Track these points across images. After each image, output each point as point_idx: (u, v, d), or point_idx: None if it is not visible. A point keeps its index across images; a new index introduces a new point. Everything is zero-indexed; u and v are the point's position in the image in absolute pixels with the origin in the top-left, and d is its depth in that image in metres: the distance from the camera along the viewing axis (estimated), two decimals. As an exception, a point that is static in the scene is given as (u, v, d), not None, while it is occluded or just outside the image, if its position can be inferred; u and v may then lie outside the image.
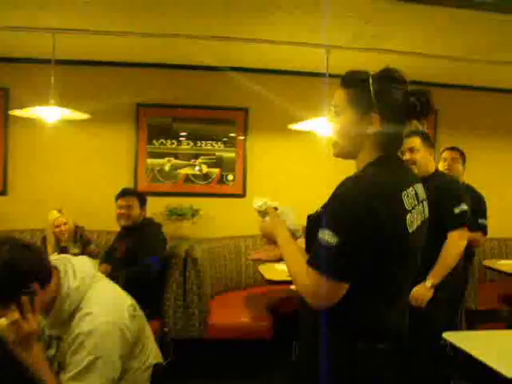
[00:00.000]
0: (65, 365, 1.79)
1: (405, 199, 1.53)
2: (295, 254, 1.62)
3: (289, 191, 5.42)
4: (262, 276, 4.24)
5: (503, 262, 4.84)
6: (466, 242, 3.10)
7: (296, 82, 5.40)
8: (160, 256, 3.89)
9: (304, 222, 1.75)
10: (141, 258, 3.76)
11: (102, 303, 1.84)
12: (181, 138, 5.27)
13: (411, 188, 1.58)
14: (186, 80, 5.25)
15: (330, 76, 4.35)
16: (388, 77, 1.59)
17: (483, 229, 3.92)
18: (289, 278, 4.06)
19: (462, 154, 4.10)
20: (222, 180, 5.36)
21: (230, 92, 5.33)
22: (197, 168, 5.31)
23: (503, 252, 5.47)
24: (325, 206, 1.57)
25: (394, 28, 4.04)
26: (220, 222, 5.29)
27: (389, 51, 4.43)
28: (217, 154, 5.34)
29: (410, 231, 1.53)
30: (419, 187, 1.65)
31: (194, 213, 5.13)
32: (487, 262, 4.79)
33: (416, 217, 1.57)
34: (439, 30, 4.03)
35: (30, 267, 1.73)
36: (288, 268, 1.63)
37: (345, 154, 1.69)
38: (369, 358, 1.55)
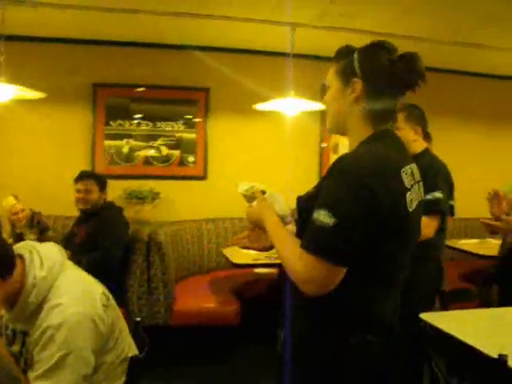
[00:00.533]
0: (32, 362, 1.65)
1: (404, 177, 1.45)
2: (286, 238, 1.54)
3: (253, 173, 5.32)
4: (227, 259, 4.17)
5: (463, 241, 4.91)
6: (431, 230, 2.86)
7: (260, 61, 5.30)
8: (122, 241, 3.76)
9: (292, 207, 1.67)
10: (102, 243, 3.62)
11: (73, 292, 1.70)
12: (139, 119, 5.08)
13: (408, 166, 1.50)
14: (145, 59, 5.04)
15: (296, 56, 4.28)
16: (375, 45, 1.53)
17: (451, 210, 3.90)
18: (255, 261, 4.01)
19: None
20: (182, 162, 5.21)
21: (191, 71, 5.16)
22: (151, 151, 5.14)
23: (462, 232, 5.56)
24: (318, 187, 1.50)
25: (362, 7, 3.98)
26: (181, 205, 5.16)
27: (356, 30, 4.37)
28: (177, 135, 5.18)
29: (410, 210, 1.45)
30: (414, 167, 1.56)
31: (154, 196, 4.98)
32: (448, 242, 4.84)
33: (414, 196, 1.49)
34: (406, 10, 3.99)
35: None
36: (279, 253, 1.53)
37: (335, 129, 1.64)
38: (361, 351, 1.48)
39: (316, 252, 1.37)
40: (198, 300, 4.07)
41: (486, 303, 3.67)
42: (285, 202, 1.77)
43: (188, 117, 5.21)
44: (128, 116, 5.05)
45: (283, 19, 4.15)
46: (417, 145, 3.02)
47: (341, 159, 1.45)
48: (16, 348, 1.75)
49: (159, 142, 5.13)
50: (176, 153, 5.18)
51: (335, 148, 5.62)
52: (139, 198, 4.89)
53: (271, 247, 1.88)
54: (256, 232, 1.86)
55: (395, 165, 1.46)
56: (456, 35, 4.47)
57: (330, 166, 1.46)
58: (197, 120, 5.23)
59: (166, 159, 5.16)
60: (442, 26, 4.29)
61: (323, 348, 1.50)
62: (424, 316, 2.43)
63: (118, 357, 1.83)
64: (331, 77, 1.59)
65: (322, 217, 1.36)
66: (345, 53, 1.56)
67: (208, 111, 5.23)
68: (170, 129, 5.15)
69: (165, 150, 5.15)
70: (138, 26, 4.52)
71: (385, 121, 1.54)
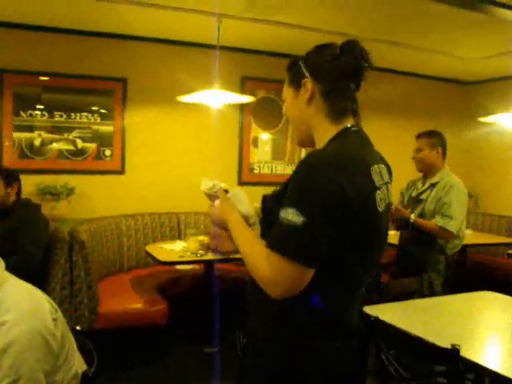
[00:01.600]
0: None
1: (373, 174, 1.42)
2: (250, 238, 1.48)
3: (172, 166, 5.21)
4: (151, 257, 4.02)
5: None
6: None
7: (183, 52, 5.15)
8: (42, 241, 3.50)
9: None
10: (20, 244, 3.35)
11: (18, 308, 1.48)
12: (52, 110, 4.75)
13: (377, 165, 1.47)
14: (59, 45, 4.71)
15: (222, 48, 4.20)
16: (317, 47, 1.55)
17: None
18: (182, 259, 3.90)
19: (430, 138, 3.79)
20: (99, 155, 4.95)
21: (108, 61, 4.91)
22: (66, 144, 4.84)
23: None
24: (284, 185, 1.44)
25: (286, 1, 3.93)
26: (98, 200, 4.91)
27: (282, 24, 4.36)
28: (93, 127, 4.90)
29: (380, 210, 1.42)
30: (383, 168, 1.52)
31: (70, 191, 4.70)
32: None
33: (382, 197, 1.45)
34: (334, 5, 3.99)
35: None
36: (242, 254, 1.46)
37: (303, 139, 1.60)
38: (328, 357, 1.46)
39: (284, 252, 1.32)
40: (123, 301, 3.89)
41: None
42: (249, 201, 1.68)
43: (107, 108, 4.95)
44: (39, 106, 4.70)
45: (210, 9, 4.04)
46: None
47: (307, 156, 1.40)
48: None
49: (74, 134, 4.84)
50: (92, 146, 4.91)
51: (255, 141, 5.59)
52: (53, 193, 4.60)
53: (236, 251, 1.81)
54: (220, 233, 1.78)
55: (363, 161, 1.43)
56: (380, 33, 4.56)
57: (297, 164, 1.41)
58: (114, 112, 4.98)
59: (81, 153, 4.88)
60: (367, 23, 4.36)
61: (288, 349, 1.46)
62: (368, 309, 2.47)
63: (68, 373, 1.66)
64: (285, 90, 1.60)
65: (290, 215, 1.31)
66: (293, 63, 1.58)
67: (125, 102, 5.00)
68: (86, 120, 4.87)
69: (80, 143, 4.86)
70: (52, 9, 4.19)
71: (345, 115, 1.52)
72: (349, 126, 1.50)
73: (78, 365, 1.75)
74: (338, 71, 1.49)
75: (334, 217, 1.31)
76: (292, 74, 1.56)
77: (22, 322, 1.45)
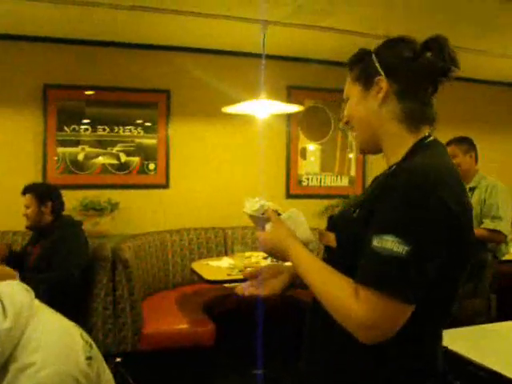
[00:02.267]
0: None
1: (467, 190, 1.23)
2: (326, 269, 1.23)
3: (220, 181, 5.05)
4: (198, 275, 3.85)
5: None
6: None
7: (226, 61, 5.00)
8: (80, 259, 3.35)
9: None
10: (58, 263, 3.21)
11: (48, 347, 1.29)
12: (96, 124, 4.66)
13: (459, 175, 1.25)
14: (101, 58, 4.65)
15: (267, 57, 4.02)
16: (392, 40, 1.34)
17: None
18: (230, 277, 3.71)
19: (463, 144, 3.62)
20: (142, 170, 4.84)
21: (151, 73, 4.80)
22: (109, 158, 4.73)
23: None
24: (361, 207, 1.23)
25: (334, 4, 3.72)
26: (142, 216, 4.79)
27: (328, 29, 4.16)
28: (136, 140, 4.79)
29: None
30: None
31: (113, 207, 4.59)
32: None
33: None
34: (380, 8, 3.78)
35: None
36: (318, 292, 1.22)
37: (368, 146, 1.39)
38: None
39: (385, 289, 1.09)
40: (169, 321, 3.72)
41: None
42: (307, 223, 1.45)
43: (148, 121, 4.83)
44: (83, 120, 4.63)
45: (255, 16, 3.87)
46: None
47: (397, 173, 1.18)
48: None
49: (117, 148, 4.74)
50: (135, 160, 4.80)
51: (303, 153, 5.38)
52: (97, 209, 4.50)
53: (283, 292, 1.58)
54: (269, 270, 1.54)
55: (457, 173, 1.23)
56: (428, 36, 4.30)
57: (385, 184, 1.19)
58: (157, 124, 4.86)
59: (124, 167, 4.77)
60: (416, 27, 4.10)
61: None
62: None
63: None
64: (348, 87, 1.39)
65: (390, 244, 1.08)
66: (359, 58, 1.37)
67: (169, 115, 4.88)
68: (129, 134, 4.77)
69: (123, 157, 4.76)
70: (93, 22, 4.12)
71: (423, 122, 1.30)
72: (427, 134, 1.30)
73: None
74: (419, 71, 1.27)
75: (443, 242, 1.11)
76: (359, 69, 1.35)
77: (52, 364, 1.25)
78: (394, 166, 1.26)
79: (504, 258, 3.66)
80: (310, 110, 5.31)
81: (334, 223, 1.36)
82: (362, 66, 1.35)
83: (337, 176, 5.49)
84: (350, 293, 1.14)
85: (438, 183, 1.12)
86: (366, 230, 1.16)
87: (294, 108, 4.24)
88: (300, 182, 5.37)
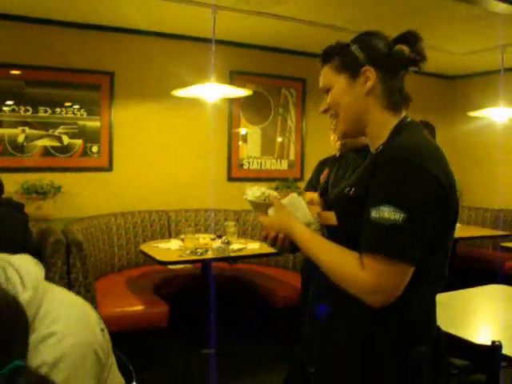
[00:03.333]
0: None
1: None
2: (331, 245, 1.37)
3: (163, 164, 5.07)
4: (151, 258, 3.87)
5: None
6: None
7: (174, 45, 5.00)
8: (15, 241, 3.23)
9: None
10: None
11: (68, 318, 1.27)
12: (37, 105, 4.53)
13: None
14: (42, 37, 4.50)
15: (217, 42, 4.08)
16: (366, 33, 1.46)
17: None
18: (182, 258, 3.77)
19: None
20: (85, 152, 4.76)
21: (95, 54, 4.71)
22: (51, 140, 4.62)
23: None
24: (362, 184, 1.33)
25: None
26: (86, 199, 4.72)
27: (277, 16, 4.26)
28: (79, 123, 4.70)
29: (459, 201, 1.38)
30: None
31: (56, 190, 4.50)
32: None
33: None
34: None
35: None
36: (325, 266, 1.35)
37: (352, 129, 1.49)
38: (413, 362, 1.33)
39: (389, 253, 1.22)
40: (123, 303, 3.72)
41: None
42: (306, 207, 1.57)
43: (91, 103, 4.74)
44: (23, 101, 4.47)
45: (205, 0, 3.91)
46: None
47: (386, 152, 1.33)
48: None
49: (59, 130, 4.63)
50: (78, 142, 4.71)
51: (244, 137, 5.48)
52: (39, 192, 4.39)
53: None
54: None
55: (439, 150, 1.37)
56: (373, 28, 4.50)
57: (376, 162, 1.33)
58: (101, 106, 4.78)
59: (67, 149, 4.67)
60: (359, 18, 4.30)
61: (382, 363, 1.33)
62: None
63: None
64: (330, 77, 1.47)
65: (387, 213, 1.22)
66: (336, 48, 1.46)
67: (113, 97, 4.81)
68: (72, 116, 4.67)
69: (66, 139, 4.66)
70: None
71: (405, 106, 1.44)
72: (405, 115, 1.43)
73: (119, 380, 1.60)
74: (399, 59, 1.40)
75: (433, 209, 1.26)
76: (341, 60, 1.44)
77: (73, 334, 1.25)
78: (381, 146, 1.38)
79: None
80: (251, 94, 5.41)
81: (331, 203, 1.47)
82: (343, 56, 1.43)
83: (277, 159, 5.65)
84: (354, 263, 1.27)
85: (427, 158, 1.27)
86: (363, 206, 1.29)
87: (242, 92, 4.33)
88: (241, 165, 5.48)
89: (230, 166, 5.42)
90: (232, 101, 5.26)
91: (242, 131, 5.47)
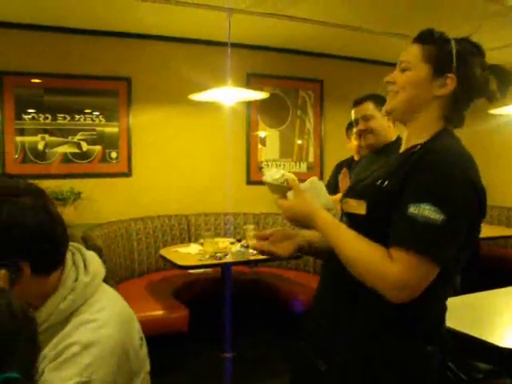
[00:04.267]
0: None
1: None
2: (357, 236, 1.34)
3: (182, 168, 5.08)
4: (170, 262, 3.88)
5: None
6: None
7: (190, 49, 5.01)
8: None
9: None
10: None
11: (111, 311, 1.32)
12: (56, 112, 4.57)
13: None
14: (60, 45, 4.55)
15: (232, 45, 4.07)
16: (470, 42, 1.44)
17: None
18: (201, 262, 3.75)
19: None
20: (104, 158, 4.79)
21: (112, 60, 4.75)
22: (70, 147, 4.65)
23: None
24: (398, 179, 1.33)
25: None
26: (105, 204, 4.75)
27: (292, 18, 4.25)
28: (98, 129, 4.74)
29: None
30: None
31: (76, 196, 4.54)
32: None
33: None
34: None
35: (35, 239, 1.21)
36: (351, 255, 1.33)
37: (400, 112, 1.47)
38: (431, 361, 1.37)
39: (420, 248, 1.23)
40: (142, 308, 3.72)
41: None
42: (326, 191, 1.55)
43: (109, 110, 4.78)
44: (42, 108, 4.52)
45: (219, 4, 3.91)
46: (392, 133, 2.79)
47: (431, 152, 1.32)
48: None
49: (78, 136, 4.67)
50: (97, 148, 4.75)
51: (262, 140, 5.47)
52: (59, 199, 4.42)
53: (297, 255, 1.69)
54: (281, 232, 1.62)
55: (473, 158, 1.37)
56: (393, 27, 4.47)
57: (417, 160, 1.32)
58: (119, 112, 4.81)
59: (86, 156, 4.71)
60: (379, 17, 4.27)
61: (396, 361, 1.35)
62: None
63: None
64: (416, 58, 1.43)
65: (428, 212, 1.23)
66: (435, 37, 1.44)
67: (131, 103, 4.84)
68: (90, 122, 4.71)
69: (85, 146, 4.69)
70: (53, 8, 4.03)
71: (455, 124, 1.46)
72: (451, 127, 1.46)
73: None
74: (481, 87, 1.42)
75: (468, 217, 1.28)
76: (435, 52, 1.41)
77: (111, 326, 1.28)
78: (419, 146, 1.38)
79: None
80: (268, 97, 5.40)
81: (361, 193, 1.44)
82: (439, 50, 1.41)
83: (295, 162, 5.62)
84: (382, 255, 1.27)
85: (469, 165, 1.31)
86: (396, 200, 1.29)
87: (259, 95, 4.31)
88: (260, 168, 5.46)
89: (248, 169, 5.41)
90: (249, 104, 5.25)
91: (261, 134, 5.46)
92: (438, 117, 1.42)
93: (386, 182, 1.36)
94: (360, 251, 1.31)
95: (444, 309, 1.44)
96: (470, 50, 1.42)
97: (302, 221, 1.46)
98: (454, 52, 1.40)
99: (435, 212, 1.22)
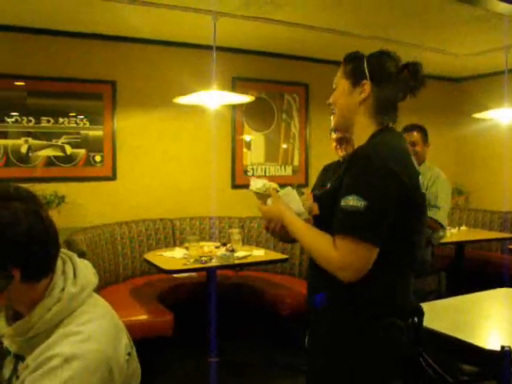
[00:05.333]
0: None
1: (415, 163, 1.65)
2: (311, 231, 1.64)
3: (167, 172, 5.06)
4: (156, 267, 3.85)
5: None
6: None
7: (176, 53, 5.00)
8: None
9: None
10: None
11: (99, 325, 1.29)
12: (39, 115, 4.52)
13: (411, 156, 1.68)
14: (44, 48, 4.51)
15: (218, 49, 4.07)
16: (383, 53, 1.71)
17: None
18: (186, 266, 3.74)
19: (423, 131, 3.78)
20: (88, 161, 4.75)
21: (96, 63, 4.72)
22: (54, 151, 4.62)
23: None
24: (335, 183, 1.63)
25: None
26: (90, 208, 4.71)
27: (277, 22, 4.25)
28: (82, 132, 4.70)
29: (423, 192, 1.63)
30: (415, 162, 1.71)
31: (60, 200, 4.49)
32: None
33: (422, 181, 1.66)
34: (329, 3, 3.92)
35: (26, 243, 1.20)
36: (306, 246, 1.64)
37: (342, 126, 1.78)
38: (389, 334, 1.57)
39: (352, 234, 1.48)
40: (127, 313, 3.69)
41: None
42: (299, 199, 1.79)
43: (93, 113, 4.74)
44: (25, 111, 4.48)
45: (206, 7, 3.91)
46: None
47: (359, 151, 1.60)
48: (6, 372, 1.33)
49: (62, 140, 4.62)
50: (81, 152, 4.71)
51: (248, 144, 5.46)
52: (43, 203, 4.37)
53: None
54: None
55: (406, 151, 1.66)
56: (376, 31, 4.49)
57: (349, 160, 1.59)
58: (103, 116, 4.78)
59: (70, 159, 4.67)
60: (363, 22, 4.29)
61: (355, 335, 1.59)
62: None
63: None
64: (339, 79, 1.75)
65: (352, 201, 1.48)
66: (353, 57, 1.72)
67: (115, 106, 4.81)
68: (74, 125, 4.66)
69: (69, 149, 4.65)
70: (36, 9, 3.99)
71: (388, 120, 1.70)
72: (388, 125, 1.70)
73: None
74: (397, 83, 1.67)
75: (392, 200, 1.50)
76: (351, 68, 1.70)
77: (96, 340, 1.25)
78: (357, 148, 1.66)
79: (446, 241, 3.88)
80: (254, 100, 5.41)
81: (316, 197, 1.75)
82: (354, 66, 1.70)
83: (281, 166, 5.62)
84: (328, 244, 1.54)
85: (391, 158, 1.53)
86: (337, 198, 1.55)
87: (245, 98, 4.31)
88: (245, 172, 5.46)
89: (233, 173, 5.40)
90: (235, 107, 5.25)
91: (246, 138, 5.46)
92: (369, 120, 1.68)
93: (328, 184, 1.70)
94: (313, 241, 1.61)
95: (397, 287, 1.61)
96: (381, 57, 1.69)
97: (275, 220, 1.73)
98: (364, 63, 1.67)
99: (358, 200, 1.47)
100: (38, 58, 4.50)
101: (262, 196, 1.81)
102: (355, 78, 1.68)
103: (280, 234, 1.77)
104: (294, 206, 1.75)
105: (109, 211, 4.78)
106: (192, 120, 5.03)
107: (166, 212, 5.02)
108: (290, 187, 1.80)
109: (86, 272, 1.40)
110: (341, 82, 1.72)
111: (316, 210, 1.68)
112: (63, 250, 1.38)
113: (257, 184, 1.83)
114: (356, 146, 1.68)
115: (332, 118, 1.78)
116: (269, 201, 1.78)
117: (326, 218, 1.61)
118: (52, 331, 1.25)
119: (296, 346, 3.73)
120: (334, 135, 3.00)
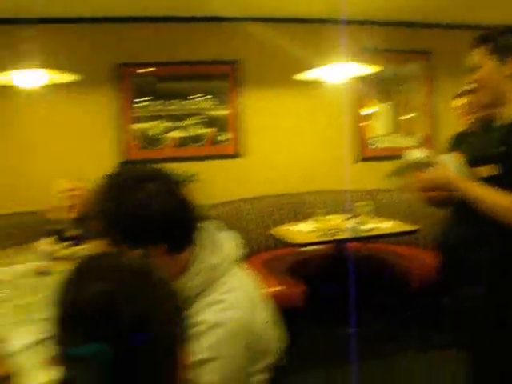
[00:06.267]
0: None
1: None
2: (493, 193, 1.68)
3: (293, 148, 5.10)
4: (281, 240, 3.93)
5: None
6: None
7: (297, 29, 4.98)
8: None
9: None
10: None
11: (240, 293, 1.36)
12: (168, 99, 4.76)
13: None
14: (169, 34, 4.74)
15: (339, 21, 4.01)
16: None
17: None
18: (318, 239, 3.75)
19: None
20: (216, 141, 4.92)
21: (219, 44, 4.86)
22: (183, 131, 4.83)
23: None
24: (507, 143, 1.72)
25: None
26: (217, 186, 4.87)
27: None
28: (209, 112, 4.88)
29: None
30: None
31: (190, 179, 4.69)
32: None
33: None
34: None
35: (162, 220, 1.29)
36: (497, 208, 1.67)
37: (492, 103, 1.81)
38: None
39: None
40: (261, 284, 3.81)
41: None
42: (460, 164, 1.81)
43: (219, 93, 4.90)
44: (156, 96, 4.74)
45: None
46: None
47: None
48: None
49: (190, 121, 4.83)
50: (209, 131, 4.89)
51: (371, 116, 5.36)
52: (175, 182, 4.60)
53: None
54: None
55: None
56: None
57: None
58: (229, 96, 4.92)
59: (198, 139, 4.87)
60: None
61: None
62: None
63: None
64: (481, 57, 1.79)
65: None
66: (500, 33, 1.79)
67: (240, 85, 4.92)
68: (202, 106, 4.85)
69: (197, 130, 4.84)
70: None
71: None
72: None
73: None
74: None
75: None
76: (497, 44, 1.76)
77: (238, 308, 1.32)
78: None
79: None
80: (376, 72, 5.28)
81: (483, 160, 1.77)
82: (498, 43, 1.76)
83: (404, 137, 5.46)
84: None
85: None
86: None
87: (368, 70, 4.24)
88: (371, 144, 5.36)
89: (359, 145, 5.33)
90: (358, 80, 5.15)
91: (370, 110, 5.35)
92: None
93: (502, 148, 1.73)
94: (499, 201, 1.67)
95: None
96: None
97: (441, 187, 1.79)
98: (510, 38, 1.77)
99: None
100: (166, 45, 4.73)
101: (420, 165, 1.84)
102: (502, 56, 1.75)
103: (439, 201, 1.84)
104: (456, 171, 1.79)
105: (236, 188, 4.92)
106: (317, 95, 4.99)
107: (293, 187, 5.07)
108: (447, 154, 1.88)
109: (228, 244, 1.46)
110: (485, 62, 1.77)
111: (485, 173, 1.73)
112: (203, 224, 1.45)
113: (414, 154, 1.90)
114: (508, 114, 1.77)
115: (477, 97, 1.84)
116: (431, 169, 1.82)
117: (507, 178, 1.69)
118: (194, 300, 1.32)
119: (429, 319, 3.70)
120: (461, 100, 2.87)
